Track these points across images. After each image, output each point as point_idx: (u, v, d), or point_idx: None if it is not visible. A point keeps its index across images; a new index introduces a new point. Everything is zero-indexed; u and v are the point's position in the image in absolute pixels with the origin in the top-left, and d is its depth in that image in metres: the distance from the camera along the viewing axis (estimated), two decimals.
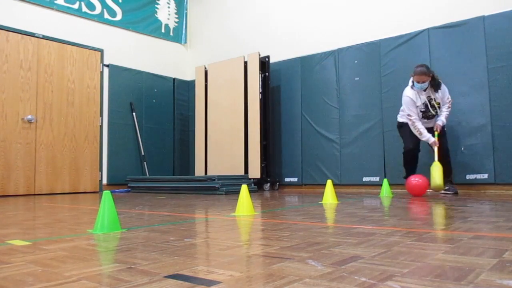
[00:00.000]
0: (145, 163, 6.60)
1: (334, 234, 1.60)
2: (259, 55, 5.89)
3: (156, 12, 7.13)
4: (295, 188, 5.85)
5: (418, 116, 4.01)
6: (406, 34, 4.98)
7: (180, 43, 7.53)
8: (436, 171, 3.77)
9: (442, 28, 4.72)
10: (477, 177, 4.38)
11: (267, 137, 5.91)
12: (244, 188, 2.55)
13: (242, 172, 5.82)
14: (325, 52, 5.68)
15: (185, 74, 7.54)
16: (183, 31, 7.57)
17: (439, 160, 3.86)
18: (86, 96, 6.03)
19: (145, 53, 6.93)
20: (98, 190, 6.04)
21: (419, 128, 3.94)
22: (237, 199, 2.59)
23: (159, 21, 7.18)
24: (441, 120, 3.99)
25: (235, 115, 6.04)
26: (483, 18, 4.46)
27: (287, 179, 5.95)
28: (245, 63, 6.03)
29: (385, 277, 0.93)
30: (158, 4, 7.17)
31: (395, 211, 2.45)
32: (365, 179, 5.17)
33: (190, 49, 7.66)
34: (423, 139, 3.95)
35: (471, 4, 4.62)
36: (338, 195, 3.89)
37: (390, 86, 5.05)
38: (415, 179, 3.82)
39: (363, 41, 5.34)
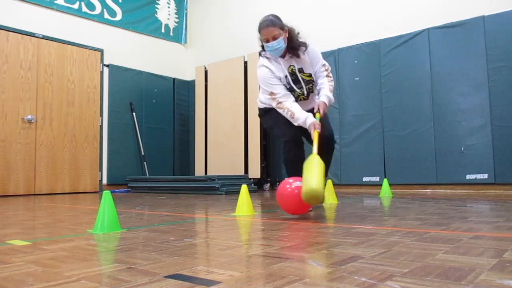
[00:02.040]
0: (145, 163, 6.60)
1: (334, 234, 1.60)
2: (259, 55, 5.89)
3: (156, 12, 7.13)
4: None
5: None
6: (406, 34, 4.98)
7: (180, 43, 7.53)
8: (314, 170, 2.17)
9: (442, 28, 4.72)
10: (477, 177, 4.38)
11: (267, 137, 5.91)
12: (244, 188, 2.55)
13: (242, 172, 5.81)
14: (325, 52, 5.67)
15: (185, 74, 7.54)
16: (183, 31, 7.57)
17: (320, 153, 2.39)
18: (86, 96, 6.03)
19: (145, 53, 6.92)
20: (98, 190, 6.04)
21: (289, 108, 2.61)
22: (237, 199, 2.59)
23: (159, 21, 7.18)
24: (325, 95, 2.66)
25: (235, 115, 6.04)
26: (483, 18, 4.46)
27: None
28: (245, 63, 6.03)
29: (385, 277, 0.93)
30: (158, 4, 7.16)
31: (395, 211, 2.45)
32: (365, 179, 5.17)
33: (190, 49, 7.66)
34: (297, 122, 2.60)
35: (471, 4, 4.62)
36: (338, 195, 3.89)
37: (390, 86, 5.05)
38: (292, 187, 2.20)
39: (363, 41, 5.34)
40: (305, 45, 2.65)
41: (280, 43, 2.59)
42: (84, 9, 6.11)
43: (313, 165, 2.21)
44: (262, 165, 5.75)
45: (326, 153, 2.71)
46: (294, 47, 2.64)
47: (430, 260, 1.09)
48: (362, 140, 5.24)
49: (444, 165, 4.60)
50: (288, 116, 2.62)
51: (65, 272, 1.05)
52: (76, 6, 6.02)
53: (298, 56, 2.65)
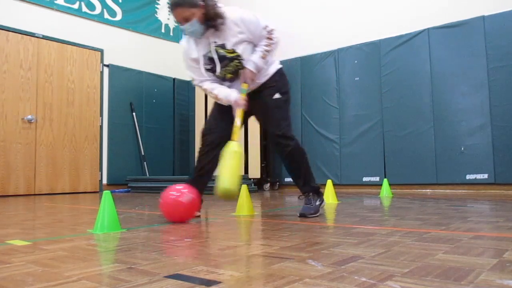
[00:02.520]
0: (145, 163, 6.60)
1: (334, 234, 1.60)
2: None
3: (156, 12, 7.13)
4: (295, 188, 5.82)
5: (208, 76, 2.36)
6: (406, 34, 4.98)
7: (180, 43, 7.53)
8: (227, 164, 2.14)
9: (442, 28, 4.72)
10: (477, 177, 4.38)
11: (267, 137, 5.90)
12: (244, 188, 2.55)
13: (242, 172, 5.81)
14: (325, 52, 5.68)
15: (185, 74, 7.51)
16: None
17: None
18: (86, 96, 6.03)
19: (145, 53, 6.92)
20: (98, 190, 6.04)
21: (211, 90, 2.34)
22: (237, 199, 2.59)
23: (159, 21, 7.18)
24: (251, 61, 2.25)
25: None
26: (483, 18, 4.46)
27: (287, 179, 5.94)
28: None
29: (385, 277, 0.93)
30: (158, 4, 7.16)
31: (395, 211, 2.45)
32: (365, 179, 5.17)
33: None
34: (224, 101, 2.32)
35: (471, 4, 4.62)
36: (338, 195, 3.89)
37: (390, 86, 5.05)
38: (174, 193, 2.11)
39: (363, 41, 5.34)
40: (221, 17, 2.21)
41: (194, 25, 2.18)
42: (84, 9, 6.11)
43: (227, 158, 2.12)
44: (262, 165, 5.75)
45: (280, 156, 2.38)
46: (212, 24, 2.21)
47: (430, 260, 1.09)
48: (362, 140, 5.24)
49: (444, 165, 4.60)
50: (215, 99, 2.37)
51: (65, 272, 1.05)
52: (76, 6, 6.01)
53: (218, 30, 2.23)
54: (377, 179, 5.06)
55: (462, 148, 4.50)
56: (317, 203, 2.35)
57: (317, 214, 2.30)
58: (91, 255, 1.29)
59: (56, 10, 5.81)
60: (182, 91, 7.39)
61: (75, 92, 5.92)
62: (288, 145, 2.29)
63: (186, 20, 2.17)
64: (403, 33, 5.01)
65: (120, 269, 1.07)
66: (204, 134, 2.43)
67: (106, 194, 1.85)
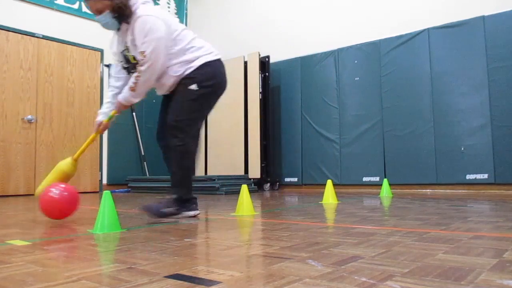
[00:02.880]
0: (145, 163, 6.60)
1: (334, 234, 1.60)
2: (259, 55, 5.89)
3: None
4: (295, 188, 5.85)
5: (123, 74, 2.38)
6: (406, 34, 4.98)
7: None
8: (50, 174, 2.33)
9: (442, 28, 4.72)
10: (477, 177, 4.38)
11: (267, 137, 5.91)
12: (244, 188, 2.55)
13: (242, 172, 5.81)
14: (325, 52, 5.68)
15: None
16: None
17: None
18: (86, 96, 6.03)
19: None
20: (98, 190, 6.04)
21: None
22: (237, 199, 2.59)
23: None
24: (122, 94, 2.30)
25: (235, 115, 6.04)
26: (483, 18, 4.46)
27: (287, 179, 5.94)
28: (245, 63, 6.03)
29: (385, 277, 0.93)
30: (158, 4, 7.16)
31: (395, 211, 2.45)
32: (365, 179, 5.17)
33: None
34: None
35: (471, 4, 4.62)
36: (338, 195, 3.89)
37: (390, 86, 5.05)
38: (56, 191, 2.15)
39: (363, 41, 5.34)
40: (128, 13, 2.08)
41: (107, 18, 2.12)
42: (84, 9, 6.11)
43: (52, 171, 2.32)
44: (262, 165, 5.75)
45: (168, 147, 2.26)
46: (122, 19, 2.12)
47: (430, 260, 1.09)
48: (362, 140, 5.24)
49: (444, 165, 4.60)
50: None
51: (65, 272, 1.05)
52: (76, 6, 6.02)
53: (129, 29, 2.13)
54: (377, 179, 5.06)
55: (462, 148, 4.50)
56: (166, 209, 2.21)
57: (155, 216, 2.20)
58: (91, 255, 1.29)
59: (56, 10, 5.81)
60: None
61: (75, 92, 5.92)
62: (177, 138, 2.18)
63: (99, 11, 2.11)
64: (403, 33, 5.01)
65: (120, 269, 1.07)
66: (158, 141, 2.47)
67: (106, 194, 1.85)
